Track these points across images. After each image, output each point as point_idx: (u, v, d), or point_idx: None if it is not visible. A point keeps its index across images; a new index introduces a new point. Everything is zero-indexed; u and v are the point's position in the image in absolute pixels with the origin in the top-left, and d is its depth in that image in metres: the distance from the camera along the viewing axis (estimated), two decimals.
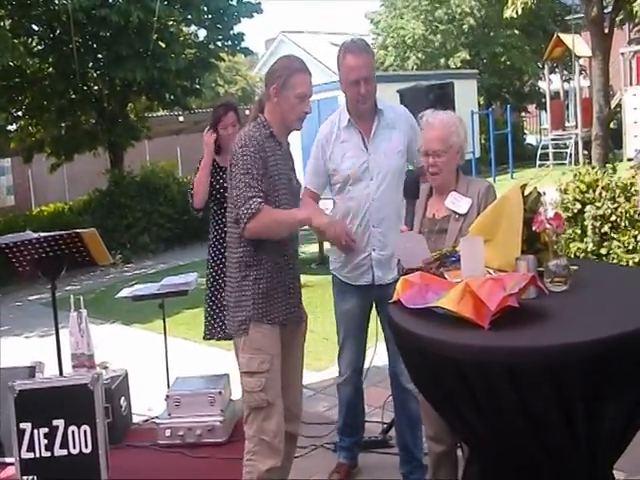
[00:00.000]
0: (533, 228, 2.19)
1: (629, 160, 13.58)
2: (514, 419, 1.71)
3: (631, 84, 16.80)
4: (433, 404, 2.07)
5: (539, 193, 2.34)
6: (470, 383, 1.72)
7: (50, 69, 11.13)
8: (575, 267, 2.16)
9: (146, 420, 3.92)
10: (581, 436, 1.71)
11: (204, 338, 3.75)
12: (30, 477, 2.74)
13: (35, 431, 2.73)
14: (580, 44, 16.50)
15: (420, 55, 20.53)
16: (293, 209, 2.50)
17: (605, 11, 9.62)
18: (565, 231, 4.15)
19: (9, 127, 11.39)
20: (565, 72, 19.73)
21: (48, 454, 2.73)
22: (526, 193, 2.30)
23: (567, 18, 20.26)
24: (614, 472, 1.95)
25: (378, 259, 2.85)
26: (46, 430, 2.73)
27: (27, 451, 2.73)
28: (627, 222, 4.53)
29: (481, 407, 1.75)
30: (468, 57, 19.87)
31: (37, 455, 2.73)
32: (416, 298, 2.05)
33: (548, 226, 2.15)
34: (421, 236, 2.43)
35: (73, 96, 11.20)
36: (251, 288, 2.42)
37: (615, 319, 1.79)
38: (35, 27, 10.96)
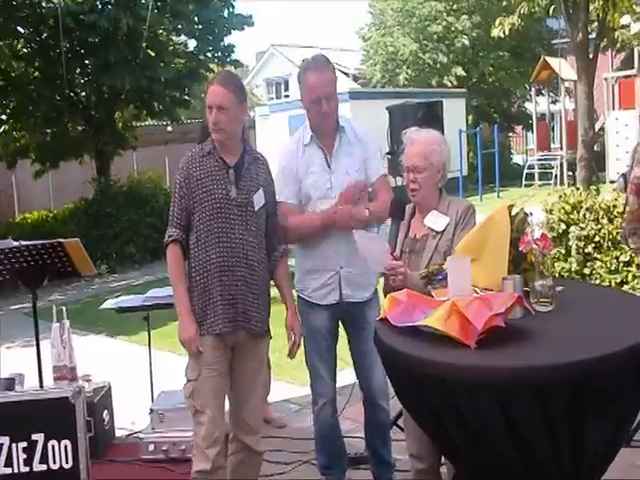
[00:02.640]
0: (520, 248, 2.21)
1: (612, 182, 13.81)
2: (499, 438, 1.71)
3: (614, 108, 17.13)
4: (418, 422, 2.06)
5: (526, 214, 2.36)
6: (456, 402, 1.72)
7: (36, 73, 10.99)
8: (561, 288, 2.18)
9: (129, 434, 3.87)
10: (565, 455, 1.72)
11: None
12: None
13: (13, 445, 2.66)
14: (566, 67, 16.79)
15: (410, 72, 20.73)
16: (181, 288, 2.56)
17: (590, 37, 9.82)
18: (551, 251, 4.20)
19: None
20: (551, 94, 20.04)
21: (27, 469, 2.66)
22: (513, 213, 2.32)
23: (554, 42, 20.62)
24: None
25: (347, 276, 2.82)
26: (25, 444, 2.66)
27: (4, 466, 2.66)
28: (610, 243, 4.61)
29: (467, 426, 1.75)
30: (464, 74, 20.07)
31: (15, 470, 2.66)
32: (403, 316, 2.05)
33: (535, 246, 2.18)
34: (382, 239, 2.49)
35: (59, 102, 11.06)
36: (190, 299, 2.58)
37: (599, 340, 1.81)
38: (21, 29, 10.79)
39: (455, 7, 20.43)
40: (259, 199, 2.62)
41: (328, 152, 2.84)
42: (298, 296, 2.94)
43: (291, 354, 2.71)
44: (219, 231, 2.53)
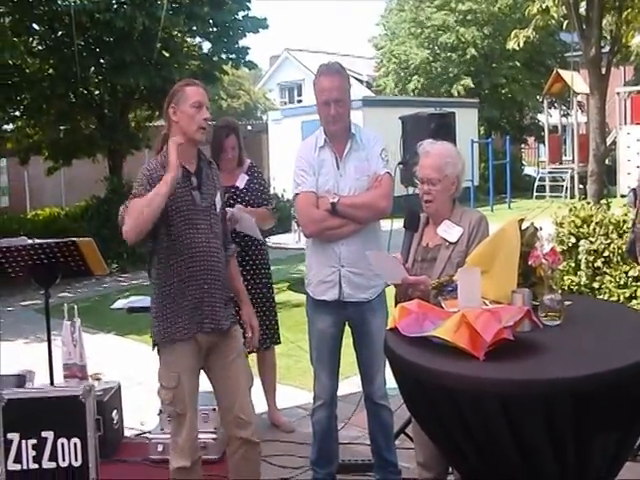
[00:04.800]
0: (529, 262, 2.23)
1: (622, 196, 13.76)
2: (506, 449, 1.74)
3: (625, 123, 17.10)
4: (426, 431, 2.09)
5: (536, 228, 2.39)
6: (464, 412, 1.75)
7: (50, 70, 10.94)
8: (569, 302, 2.20)
9: (138, 434, 3.89)
10: (571, 467, 1.75)
11: None
12: None
13: (23, 442, 2.68)
14: (579, 81, 16.76)
15: (422, 80, 20.77)
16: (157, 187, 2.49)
17: (603, 51, 9.83)
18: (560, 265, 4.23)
19: (5, 127, 11.28)
20: (563, 107, 20.01)
21: (36, 466, 2.68)
22: (523, 227, 2.35)
23: (567, 55, 20.60)
24: None
25: (347, 275, 2.87)
26: (34, 441, 2.68)
27: (14, 462, 2.68)
28: (619, 258, 4.61)
29: (474, 436, 1.77)
30: (472, 85, 20.11)
31: (24, 467, 2.68)
32: (413, 326, 2.08)
33: (544, 261, 2.20)
34: (394, 257, 2.52)
35: (73, 100, 11.05)
36: (154, 310, 2.61)
37: (606, 355, 1.84)
38: (36, 27, 10.79)
39: (468, 18, 20.46)
40: (219, 202, 2.70)
41: (339, 156, 2.90)
42: (307, 295, 3.04)
43: (248, 348, 2.74)
44: (185, 238, 2.56)
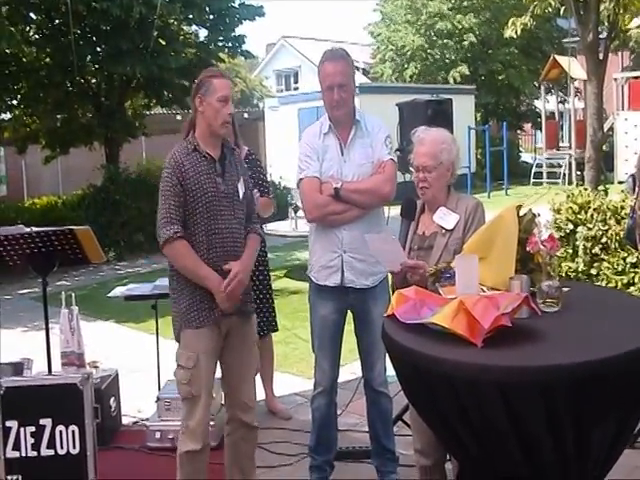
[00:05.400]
0: (527, 249, 2.23)
1: (620, 183, 13.77)
2: (504, 436, 1.74)
3: (623, 109, 17.07)
4: (424, 418, 2.09)
5: (534, 214, 2.38)
6: (462, 399, 1.75)
7: (47, 59, 10.92)
8: (567, 289, 2.20)
9: (135, 422, 3.90)
10: (569, 454, 1.75)
11: None
12: (15, 477, 2.70)
13: (21, 429, 2.70)
14: (576, 67, 16.71)
15: (418, 66, 20.68)
16: (206, 269, 2.56)
17: (600, 37, 9.76)
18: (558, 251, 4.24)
19: (3, 116, 11.23)
20: (560, 93, 19.94)
21: (34, 454, 2.70)
22: (521, 214, 2.34)
23: (564, 41, 20.50)
24: None
25: (349, 261, 2.88)
26: (33, 429, 2.70)
27: (12, 450, 2.70)
28: (617, 244, 4.61)
29: (472, 423, 1.77)
30: (467, 72, 20.04)
31: (23, 454, 2.70)
32: (411, 313, 2.07)
33: (542, 247, 2.19)
34: (394, 238, 2.49)
35: (70, 88, 11.01)
36: (175, 298, 2.65)
37: (604, 342, 1.84)
38: (33, 16, 10.77)
39: (464, 4, 20.34)
40: (242, 188, 2.72)
41: (344, 142, 2.90)
42: (309, 278, 3.03)
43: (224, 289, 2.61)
44: (208, 224, 2.60)
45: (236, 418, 2.74)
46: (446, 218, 2.56)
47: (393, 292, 2.42)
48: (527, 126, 23.81)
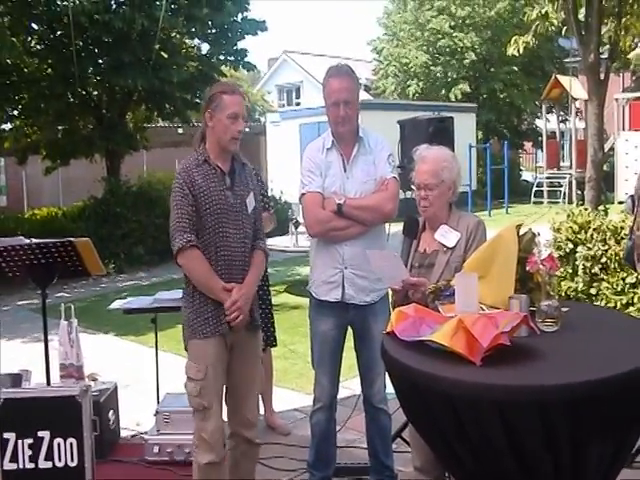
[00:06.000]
0: (527, 268, 2.24)
1: (619, 203, 13.80)
2: (502, 454, 1.74)
3: (624, 129, 17.14)
4: (423, 435, 2.09)
5: (534, 234, 2.39)
6: (461, 417, 1.75)
7: (49, 70, 10.97)
8: (566, 308, 2.21)
9: (134, 435, 3.88)
10: (567, 473, 1.75)
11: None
12: None
13: (19, 441, 2.69)
14: (577, 87, 16.81)
15: (421, 84, 20.82)
16: (216, 280, 2.59)
17: (602, 57, 9.85)
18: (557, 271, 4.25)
19: (4, 126, 11.28)
20: (562, 113, 20.06)
21: (32, 465, 2.69)
22: (521, 233, 2.35)
23: (565, 60, 20.66)
24: None
25: (350, 277, 2.88)
26: (31, 441, 2.69)
27: (10, 462, 2.69)
28: (616, 264, 4.61)
29: (470, 441, 1.77)
30: (469, 90, 20.17)
31: (20, 466, 2.69)
32: (410, 330, 2.08)
33: (541, 267, 2.20)
34: (396, 255, 2.50)
35: (71, 100, 11.06)
36: (187, 307, 2.67)
37: (603, 362, 1.85)
38: (35, 26, 10.83)
39: (467, 22, 20.52)
40: (251, 202, 2.73)
41: (347, 158, 2.92)
42: (309, 293, 3.04)
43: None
44: (216, 238, 2.61)
45: (238, 434, 2.74)
46: (447, 236, 2.57)
47: (393, 309, 2.43)
48: (528, 145, 23.93)
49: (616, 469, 1.90)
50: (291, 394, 4.57)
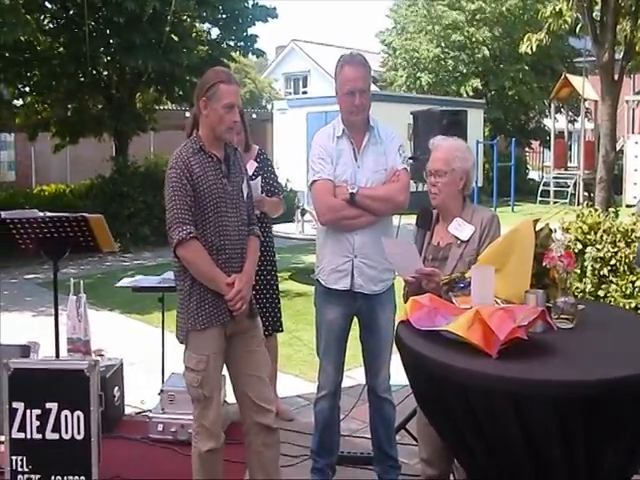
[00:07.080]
0: (544, 264, 2.23)
1: (627, 206, 13.76)
2: (515, 448, 1.74)
3: (633, 132, 17.05)
4: (435, 425, 2.09)
5: (550, 230, 2.39)
6: (475, 409, 1.75)
7: (61, 49, 11.01)
8: (582, 306, 2.20)
9: (138, 413, 3.90)
10: (579, 472, 1.75)
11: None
12: (19, 457, 2.71)
13: (27, 411, 2.70)
14: (588, 87, 16.72)
15: (431, 77, 20.71)
16: (218, 272, 2.55)
17: (616, 57, 9.78)
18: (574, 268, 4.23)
19: (15, 102, 11.30)
20: (570, 113, 19.97)
21: (39, 436, 2.70)
22: (538, 228, 2.35)
23: (576, 60, 20.54)
24: None
25: (360, 266, 2.87)
26: (39, 412, 2.70)
27: (18, 431, 2.70)
28: (626, 267, 4.58)
29: (483, 433, 1.78)
30: (480, 86, 20.08)
31: (28, 436, 2.71)
32: (425, 320, 2.08)
33: (559, 263, 2.20)
34: (411, 243, 2.50)
35: (82, 79, 11.09)
36: (184, 299, 2.60)
37: (618, 361, 1.84)
38: (49, 5, 10.85)
39: (477, 17, 20.39)
40: (245, 188, 2.71)
41: (357, 148, 2.90)
42: (317, 281, 3.03)
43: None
44: (215, 227, 2.57)
45: (252, 421, 2.67)
46: (461, 229, 2.57)
47: (405, 301, 2.42)
48: (535, 144, 23.82)
49: (631, 471, 1.90)
50: (295, 380, 4.58)
